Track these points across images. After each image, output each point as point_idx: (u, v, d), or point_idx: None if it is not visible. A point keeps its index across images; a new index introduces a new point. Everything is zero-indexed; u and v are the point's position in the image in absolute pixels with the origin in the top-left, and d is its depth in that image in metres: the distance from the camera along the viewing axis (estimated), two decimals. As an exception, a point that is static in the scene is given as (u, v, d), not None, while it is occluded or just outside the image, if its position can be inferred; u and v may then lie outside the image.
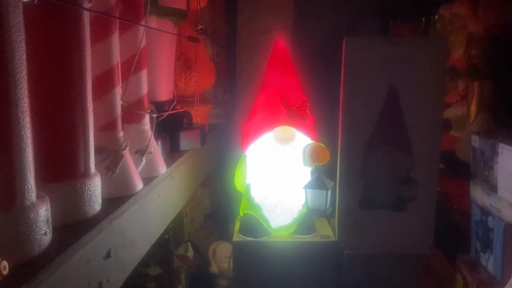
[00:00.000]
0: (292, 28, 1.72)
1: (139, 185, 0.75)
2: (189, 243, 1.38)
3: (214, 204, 1.59)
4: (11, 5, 0.44)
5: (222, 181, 1.59)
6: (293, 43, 1.62)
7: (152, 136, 0.85)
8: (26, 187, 0.47)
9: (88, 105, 0.60)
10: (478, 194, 0.93)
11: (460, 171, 1.13)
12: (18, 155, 0.46)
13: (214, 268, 1.45)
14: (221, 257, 1.45)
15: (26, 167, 0.47)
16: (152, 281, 1.25)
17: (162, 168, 0.88)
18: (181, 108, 1.16)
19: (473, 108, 1.24)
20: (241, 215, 1.08)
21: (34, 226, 0.48)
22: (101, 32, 0.68)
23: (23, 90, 0.46)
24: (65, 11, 0.55)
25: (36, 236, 0.48)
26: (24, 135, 0.46)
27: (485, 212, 0.89)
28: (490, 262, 0.87)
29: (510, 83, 1.12)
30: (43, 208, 0.49)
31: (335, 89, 1.04)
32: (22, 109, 0.46)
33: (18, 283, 0.43)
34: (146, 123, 0.85)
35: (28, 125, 0.47)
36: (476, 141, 0.92)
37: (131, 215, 0.71)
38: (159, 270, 1.27)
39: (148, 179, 0.82)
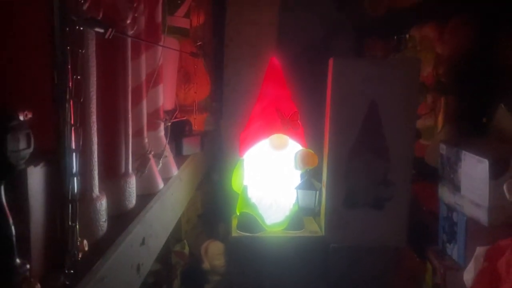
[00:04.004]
0: (276, 41, 1.86)
1: (161, 184, 0.87)
2: (185, 240, 1.49)
3: (205, 206, 1.70)
4: (90, 37, 0.55)
5: (212, 184, 1.71)
6: (277, 54, 1.75)
7: (167, 142, 0.97)
8: (94, 182, 0.59)
9: (129, 115, 0.71)
10: (445, 193, 1.08)
11: (429, 175, 1.29)
12: (89, 156, 0.57)
13: (206, 265, 1.56)
14: (213, 254, 1.56)
15: (94, 166, 0.58)
16: (152, 276, 1.35)
17: (174, 170, 1.00)
18: (181, 117, 1.28)
19: (440, 119, 1.40)
20: (238, 213, 1.20)
21: (99, 214, 0.59)
22: (134, 53, 0.79)
23: (94, 103, 0.57)
24: (115, 38, 0.66)
25: (100, 223, 0.59)
26: (93, 140, 0.58)
27: (451, 209, 1.05)
28: (454, 251, 1.03)
29: (472, 98, 1.28)
30: (104, 200, 0.61)
31: (311, 99, 1.18)
32: (93, 119, 0.57)
33: (94, 259, 0.54)
34: (162, 130, 0.97)
35: (95, 131, 0.58)
36: (443, 149, 1.08)
37: (156, 210, 0.82)
38: (158, 266, 1.37)
39: (164, 179, 0.94)
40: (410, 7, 1.56)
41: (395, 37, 1.75)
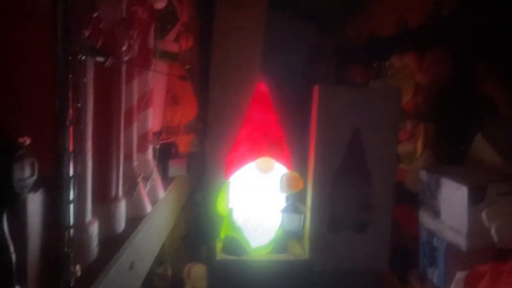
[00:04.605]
0: (261, 66, 1.90)
1: (148, 207, 0.87)
2: (168, 263, 1.47)
3: (188, 228, 1.69)
4: (88, 65, 0.56)
5: (196, 206, 1.70)
6: (263, 79, 1.79)
7: (155, 164, 0.97)
8: (87, 208, 0.59)
9: (121, 140, 0.72)
10: (425, 219, 1.11)
11: (408, 199, 1.32)
12: (84, 182, 0.58)
13: (188, 288, 1.54)
14: (195, 277, 1.55)
15: (88, 191, 0.59)
16: (133, 299, 1.33)
17: (161, 192, 1.00)
18: (167, 138, 1.28)
19: (419, 145, 1.45)
20: (223, 236, 1.21)
21: (91, 239, 0.59)
22: (127, 78, 0.81)
23: (90, 130, 0.58)
24: (112, 64, 0.68)
25: (92, 247, 0.60)
26: (88, 166, 0.58)
27: (431, 234, 1.08)
28: (435, 275, 1.05)
29: (450, 125, 1.34)
30: (96, 225, 0.61)
31: (297, 123, 1.20)
32: (88, 145, 0.58)
33: (86, 284, 0.54)
34: (150, 153, 0.98)
35: (90, 157, 0.59)
36: (424, 175, 1.12)
37: (143, 234, 0.82)
38: (140, 289, 1.35)
39: (151, 202, 0.94)
40: (391, 36, 1.63)
41: (376, 64, 1.81)
